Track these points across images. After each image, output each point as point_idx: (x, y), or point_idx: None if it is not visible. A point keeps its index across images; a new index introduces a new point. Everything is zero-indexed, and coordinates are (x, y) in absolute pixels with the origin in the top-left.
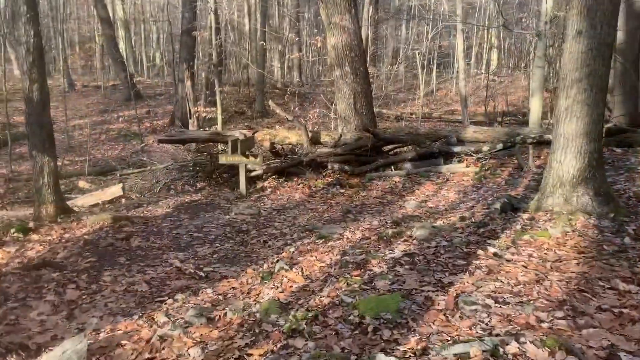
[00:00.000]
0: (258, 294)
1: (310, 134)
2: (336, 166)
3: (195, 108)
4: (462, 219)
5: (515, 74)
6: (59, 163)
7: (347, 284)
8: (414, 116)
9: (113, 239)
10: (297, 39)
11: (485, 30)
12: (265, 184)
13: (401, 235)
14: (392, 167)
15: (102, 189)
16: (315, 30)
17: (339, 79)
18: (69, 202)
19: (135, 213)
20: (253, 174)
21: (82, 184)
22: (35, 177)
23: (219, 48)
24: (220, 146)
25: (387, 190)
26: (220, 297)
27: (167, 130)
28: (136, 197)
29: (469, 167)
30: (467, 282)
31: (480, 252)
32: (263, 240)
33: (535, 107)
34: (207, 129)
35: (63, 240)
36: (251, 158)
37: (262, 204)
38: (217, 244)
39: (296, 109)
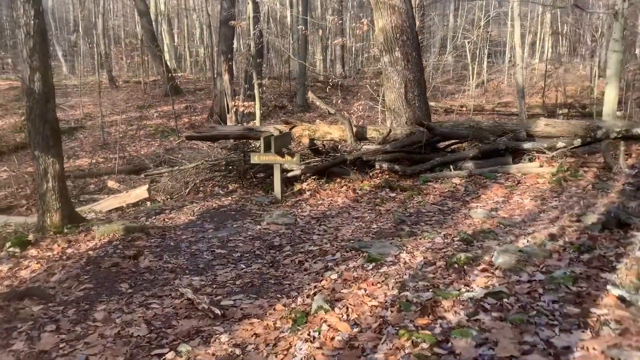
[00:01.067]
0: (288, 349)
1: (354, 129)
2: (385, 165)
3: (233, 102)
4: (552, 237)
5: (575, 62)
6: (93, 161)
7: (412, 341)
8: (464, 109)
9: (120, 257)
10: (339, 22)
11: (541, 15)
12: (304, 185)
13: (477, 261)
14: (451, 166)
15: (126, 191)
16: (361, 18)
17: (388, 66)
18: (92, 206)
19: (154, 221)
20: (290, 174)
21: (111, 183)
22: (38, 180)
23: (258, 39)
24: (256, 143)
25: (446, 194)
26: (237, 351)
27: (205, 125)
28: (162, 200)
29: (542, 166)
30: (594, 349)
31: (597, 293)
32: (298, 260)
33: (610, 97)
34: (244, 124)
35: (64, 257)
36: (287, 157)
37: (300, 210)
38: (243, 265)
39: (339, 102)
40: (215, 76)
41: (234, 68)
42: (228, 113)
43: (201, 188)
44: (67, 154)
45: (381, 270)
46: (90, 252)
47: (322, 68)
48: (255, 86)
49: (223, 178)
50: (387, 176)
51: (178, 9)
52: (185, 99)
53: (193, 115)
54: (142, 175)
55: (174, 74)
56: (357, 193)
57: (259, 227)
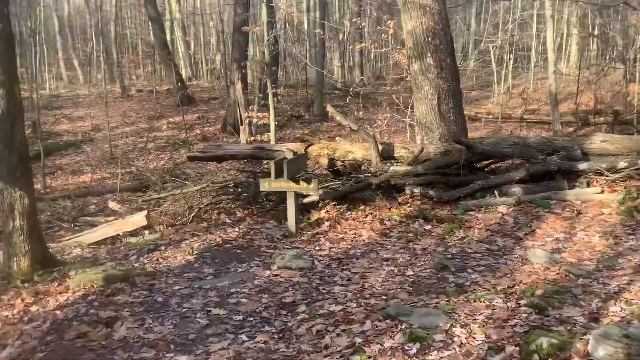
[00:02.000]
0: None
1: (380, 147)
2: (417, 190)
3: (247, 113)
4: None
5: (605, 66)
6: (97, 176)
7: None
8: (490, 116)
9: (90, 323)
10: (359, 27)
11: (573, 17)
12: (322, 214)
13: (566, 350)
14: (496, 192)
15: (123, 218)
16: (381, 23)
17: (418, 75)
18: (84, 235)
19: (146, 261)
20: (306, 200)
21: (112, 204)
22: (3, 218)
23: (273, 45)
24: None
25: (493, 227)
26: None
27: (219, 137)
28: (161, 231)
29: (603, 192)
30: None
31: None
32: (316, 329)
33: None
34: (255, 139)
35: (25, 319)
36: (302, 184)
37: (317, 247)
38: (245, 336)
39: (360, 113)
40: (228, 85)
41: (248, 76)
42: (241, 124)
43: (205, 215)
44: (72, 168)
45: (430, 359)
46: (58, 312)
47: (340, 75)
48: (270, 96)
49: (231, 201)
50: (420, 203)
51: (194, 15)
52: (198, 108)
53: (206, 126)
54: (140, 201)
55: (188, 83)
56: (385, 224)
57: (268, 272)
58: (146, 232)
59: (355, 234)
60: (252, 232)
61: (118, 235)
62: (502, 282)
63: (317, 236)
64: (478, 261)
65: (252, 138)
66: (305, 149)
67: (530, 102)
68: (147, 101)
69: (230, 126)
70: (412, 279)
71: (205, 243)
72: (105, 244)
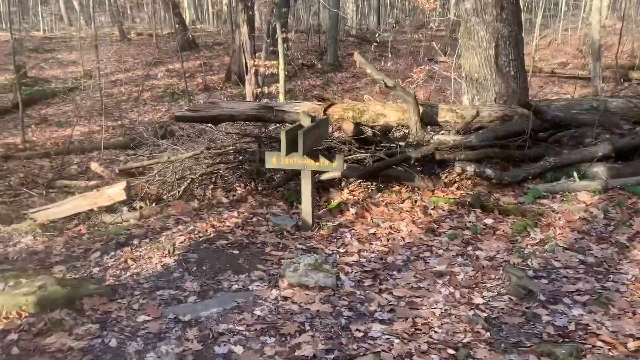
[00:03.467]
0: None
1: (420, 109)
2: (470, 168)
3: (253, 60)
4: None
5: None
6: (85, 130)
7: None
8: None
9: None
10: None
11: None
12: (345, 195)
13: None
14: (575, 172)
15: (98, 189)
16: None
17: (471, 16)
18: (54, 207)
19: (110, 262)
20: (325, 176)
21: (94, 166)
22: None
23: None
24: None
25: (579, 226)
26: None
27: (222, 87)
28: (141, 210)
29: None
30: None
31: None
32: None
33: None
34: (261, 90)
35: None
36: (323, 161)
37: (342, 248)
38: None
39: (388, 64)
40: (233, 29)
41: (255, 19)
42: (247, 74)
43: (198, 190)
44: (58, 120)
45: None
46: None
47: (355, 21)
48: (279, 41)
49: (231, 172)
50: (471, 183)
51: None
52: (201, 55)
53: (208, 75)
54: (117, 171)
55: (192, 27)
56: (430, 214)
57: (275, 293)
58: (124, 208)
59: (391, 228)
60: (254, 219)
61: (92, 210)
62: (626, 326)
63: (341, 230)
64: (574, 283)
65: (259, 90)
66: (325, 111)
67: (558, 54)
68: (146, 46)
69: (235, 75)
70: (485, 314)
71: (192, 236)
72: (76, 219)
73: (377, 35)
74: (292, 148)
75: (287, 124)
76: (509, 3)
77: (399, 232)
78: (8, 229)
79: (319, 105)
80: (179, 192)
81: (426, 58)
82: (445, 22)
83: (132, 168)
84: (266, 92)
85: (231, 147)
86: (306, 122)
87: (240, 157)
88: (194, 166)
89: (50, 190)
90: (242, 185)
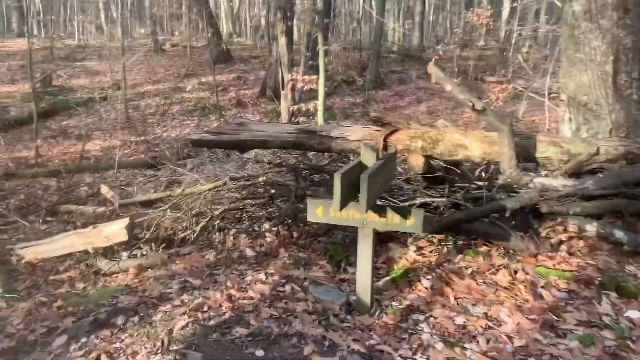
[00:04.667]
0: None
1: (514, 140)
2: (590, 228)
3: (290, 75)
4: None
5: None
6: (107, 144)
7: None
8: None
9: None
10: None
11: None
12: (413, 254)
13: None
14: None
15: (95, 227)
16: None
17: (581, 20)
18: (37, 246)
19: (77, 355)
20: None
21: (104, 189)
22: None
23: None
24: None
25: None
26: None
27: (256, 103)
28: (143, 257)
29: None
30: None
31: None
32: None
33: None
34: (298, 107)
35: None
36: (391, 217)
37: (420, 354)
38: None
39: (457, 78)
40: (270, 41)
41: (294, 31)
42: (283, 89)
43: (217, 234)
44: (79, 133)
45: None
46: None
47: (396, 38)
48: (320, 53)
49: (259, 208)
50: (587, 246)
51: None
52: (235, 67)
53: (242, 89)
54: (116, 205)
55: (229, 39)
56: (542, 297)
57: None
58: (124, 254)
59: (487, 317)
60: (287, 288)
61: (86, 251)
62: None
63: (413, 317)
64: None
65: (295, 107)
66: (385, 139)
67: None
68: (180, 57)
69: (270, 90)
70: None
71: (199, 316)
72: (69, 259)
73: (439, 47)
74: (349, 197)
75: (333, 154)
76: (635, 4)
77: (500, 326)
78: None
79: (378, 131)
80: (193, 232)
81: (478, 77)
82: (494, 38)
83: (136, 203)
84: (303, 109)
85: (261, 179)
86: (369, 159)
87: (272, 191)
88: (215, 200)
89: (48, 220)
90: (272, 229)
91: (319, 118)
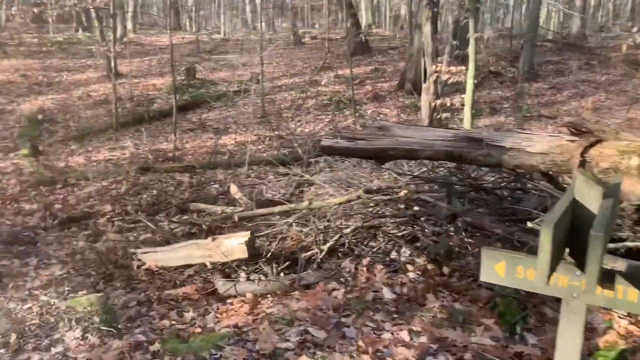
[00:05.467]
0: None
1: None
2: None
3: (434, 66)
4: None
5: None
6: (242, 139)
7: None
8: None
9: None
10: None
11: None
12: (624, 324)
13: None
14: None
15: (213, 239)
16: None
17: None
18: (158, 253)
19: None
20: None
21: (233, 189)
22: None
23: None
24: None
25: None
26: None
27: (393, 97)
28: (260, 282)
29: None
30: None
31: None
32: None
33: None
34: (441, 102)
35: None
36: (622, 290)
37: None
38: None
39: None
40: (412, 30)
41: (439, 18)
42: (424, 81)
43: (345, 260)
44: (217, 126)
45: None
46: None
47: (554, 24)
48: (471, 42)
49: (397, 227)
50: None
51: None
52: (373, 59)
53: (379, 82)
54: (236, 217)
55: (367, 30)
56: None
57: None
58: (242, 275)
59: None
60: (440, 359)
61: (204, 265)
62: None
63: None
64: None
65: (438, 101)
66: (584, 153)
67: None
68: (318, 50)
69: (410, 83)
70: None
71: None
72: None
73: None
74: (558, 256)
75: (503, 171)
76: None
77: None
78: (62, 306)
79: (572, 142)
80: (320, 251)
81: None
82: None
83: (255, 216)
84: (448, 104)
85: (402, 193)
86: (589, 195)
87: (416, 208)
88: (346, 214)
89: (174, 221)
90: (415, 261)
91: (466, 115)
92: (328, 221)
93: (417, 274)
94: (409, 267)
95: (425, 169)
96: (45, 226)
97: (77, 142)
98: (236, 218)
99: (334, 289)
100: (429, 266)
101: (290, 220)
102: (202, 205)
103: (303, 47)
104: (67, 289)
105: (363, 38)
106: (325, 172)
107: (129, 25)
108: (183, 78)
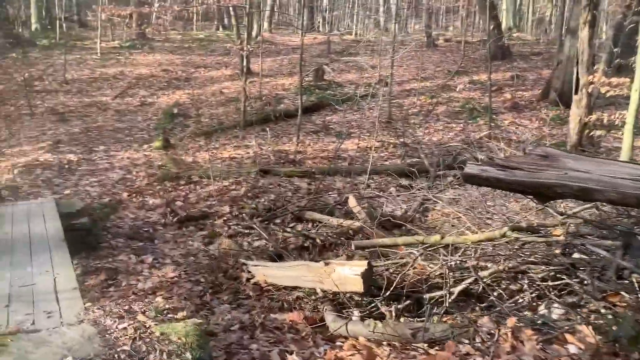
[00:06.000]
0: None
1: None
2: None
3: (590, 76)
4: None
5: None
6: (364, 144)
7: None
8: None
9: None
10: None
11: None
12: None
13: None
14: None
15: (326, 264)
16: None
17: None
18: (269, 268)
19: None
20: None
21: (351, 201)
22: None
23: None
24: None
25: None
26: None
27: (535, 107)
28: (377, 326)
29: None
30: None
31: None
32: None
33: None
34: (598, 117)
35: None
36: None
37: None
38: None
39: None
40: (562, 34)
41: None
42: (575, 93)
43: (483, 318)
44: (339, 130)
45: None
46: None
47: None
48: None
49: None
50: None
51: None
52: (514, 65)
53: (519, 90)
54: (353, 247)
55: (507, 34)
56: None
57: None
58: (356, 313)
59: None
60: None
61: (315, 293)
62: None
63: None
64: None
65: (593, 117)
66: None
67: None
68: (452, 53)
69: (555, 93)
70: None
71: None
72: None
73: None
74: None
75: None
76: None
77: None
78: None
79: None
80: (449, 294)
81: None
82: None
83: (370, 247)
84: (604, 120)
85: (557, 233)
86: None
87: (576, 255)
88: (485, 253)
89: (288, 231)
90: (576, 325)
91: (626, 136)
92: (460, 258)
93: (580, 350)
94: (568, 336)
95: (587, 204)
96: (164, 223)
97: (206, 137)
98: (353, 247)
99: (467, 354)
100: (596, 339)
101: (415, 252)
102: (317, 215)
103: (436, 49)
104: (167, 307)
105: (504, 42)
106: (454, 188)
107: (265, 25)
108: (311, 79)
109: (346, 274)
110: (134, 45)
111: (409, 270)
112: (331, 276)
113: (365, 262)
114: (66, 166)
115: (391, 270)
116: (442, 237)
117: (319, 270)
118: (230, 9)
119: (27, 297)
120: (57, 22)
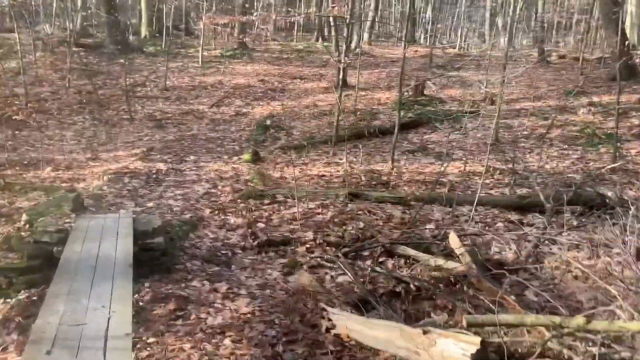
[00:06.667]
0: None
1: None
2: None
3: None
4: None
5: None
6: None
7: None
8: None
9: None
10: None
11: None
12: None
13: None
14: None
15: (425, 332)
16: None
17: None
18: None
19: None
20: None
21: (452, 239)
22: None
23: None
24: None
25: None
26: None
27: None
28: None
29: None
30: None
31: None
32: None
33: None
34: None
35: None
36: None
37: None
38: None
39: None
40: None
41: None
42: None
43: None
44: (439, 151)
45: None
46: None
47: None
48: None
49: None
50: None
51: None
52: None
53: None
54: (464, 323)
55: (632, 51)
56: None
57: None
58: None
59: None
60: None
61: None
62: None
63: None
64: None
65: None
66: None
67: None
68: (567, 71)
69: None
70: None
71: None
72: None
73: None
74: None
75: None
76: None
77: None
78: None
79: None
80: None
81: None
82: None
83: (488, 325)
84: None
85: None
86: None
87: None
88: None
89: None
90: None
91: None
92: (604, 345)
93: None
94: None
95: None
96: (244, 246)
97: (297, 152)
98: (464, 323)
99: None
100: None
101: (548, 335)
102: (412, 251)
103: (549, 66)
104: (235, 352)
105: (637, 61)
106: (577, 227)
107: (365, 36)
108: (410, 94)
109: (450, 351)
110: (234, 55)
111: (538, 349)
112: (430, 350)
113: (477, 340)
114: (154, 175)
115: (509, 345)
116: (589, 322)
117: (415, 339)
118: (331, 19)
119: (73, 341)
120: (165, 29)
